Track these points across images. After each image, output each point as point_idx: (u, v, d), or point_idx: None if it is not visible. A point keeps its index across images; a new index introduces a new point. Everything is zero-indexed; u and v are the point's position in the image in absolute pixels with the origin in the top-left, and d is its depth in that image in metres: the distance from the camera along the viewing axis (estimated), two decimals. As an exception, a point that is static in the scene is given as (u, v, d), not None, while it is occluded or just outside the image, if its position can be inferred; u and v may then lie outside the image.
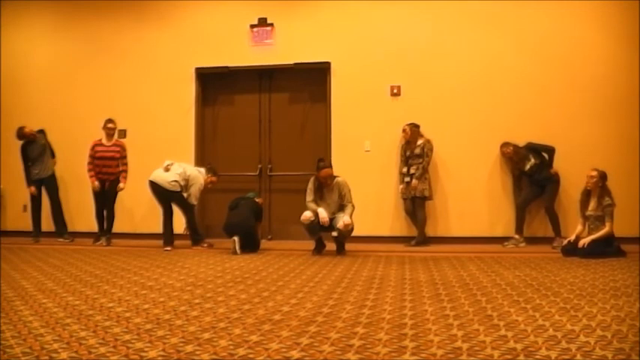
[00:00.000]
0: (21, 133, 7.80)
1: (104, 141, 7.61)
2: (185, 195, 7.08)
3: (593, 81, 7.25)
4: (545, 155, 7.03)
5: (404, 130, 7.29)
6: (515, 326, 2.99)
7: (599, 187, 6.10)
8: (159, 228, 7.17)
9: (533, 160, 7.00)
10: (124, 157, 7.62)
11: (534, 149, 7.04)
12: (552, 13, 7.36)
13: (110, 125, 7.60)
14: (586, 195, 6.23)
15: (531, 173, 7.05)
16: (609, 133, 7.16)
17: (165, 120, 8.23)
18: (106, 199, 7.58)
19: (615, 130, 7.16)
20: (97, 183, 7.50)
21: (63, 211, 8.03)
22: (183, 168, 7.10)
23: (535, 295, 3.87)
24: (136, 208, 8.14)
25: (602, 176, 6.12)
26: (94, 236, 7.65)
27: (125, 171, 7.59)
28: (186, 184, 7.06)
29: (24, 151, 7.85)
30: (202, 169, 7.32)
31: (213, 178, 7.35)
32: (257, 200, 7.02)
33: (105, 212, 7.61)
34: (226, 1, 8.27)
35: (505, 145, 7.17)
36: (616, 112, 7.17)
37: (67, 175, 8.27)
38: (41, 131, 7.95)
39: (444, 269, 5.17)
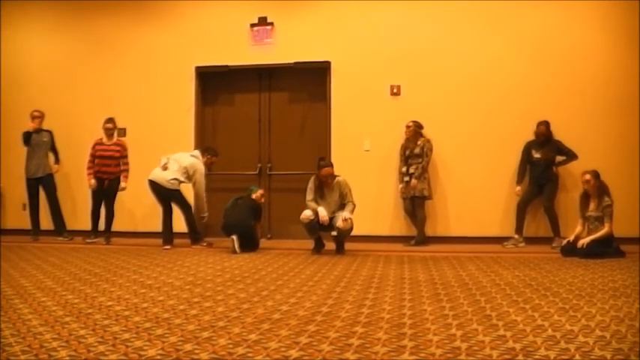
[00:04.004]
0: (32, 115, 7.84)
1: (104, 140, 7.62)
2: (191, 185, 7.09)
3: (593, 81, 7.25)
4: (562, 158, 7.00)
5: (408, 126, 7.28)
6: (514, 326, 3.00)
7: (596, 188, 6.10)
8: (158, 227, 7.17)
9: (549, 154, 6.99)
10: (125, 156, 7.62)
11: (557, 148, 7.01)
12: (552, 13, 7.36)
13: (109, 125, 7.60)
14: (585, 197, 6.24)
15: (537, 164, 7.02)
16: (609, 133, 7.16)
17: (165, 119, 8.23)
18: (105, 197, 7.58)
19: (615, 130, 7.16)
20: (93, 181, 7.50)
21: (61, 210, 8.02)
22: (178, 163, 7.08)
23: (534, 295, 3.87)
24: (136, 207, 8.14)
25: (596, 176, 6.14)
26: (87, 234, 7.63)
27: (126, 170, 7.58)
28: (188, 176, 7.06)
29: (26, 139, 7.81)
30: (196, 152, 7.32)
31: (213, 159, 7.35)
32: (255, 195, 6.95)
33: (104, 211, 7.61)
34: (226, 0, 8.26)
35: (546, 125, 7.00)
36: (616, 112, 7.17)
37: (67, 174, 8.27)
38: (48, 131, 7.96)
39: (444, 269, 5.17)
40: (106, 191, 7.57)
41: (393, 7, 7.72)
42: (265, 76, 8.27)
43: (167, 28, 8.35)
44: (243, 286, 4.26)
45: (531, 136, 7.12)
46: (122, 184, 7.56)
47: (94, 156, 7.56)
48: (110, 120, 7.63)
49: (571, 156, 6.96)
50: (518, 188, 7.11)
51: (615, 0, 7.24)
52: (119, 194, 7.62)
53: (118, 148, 7.60)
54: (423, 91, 7.62)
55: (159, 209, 7.16)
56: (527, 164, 7.14)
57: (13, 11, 8.80)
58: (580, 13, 7.37)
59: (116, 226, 7.73)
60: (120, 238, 7.71)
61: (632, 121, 7.08)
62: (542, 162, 7.00)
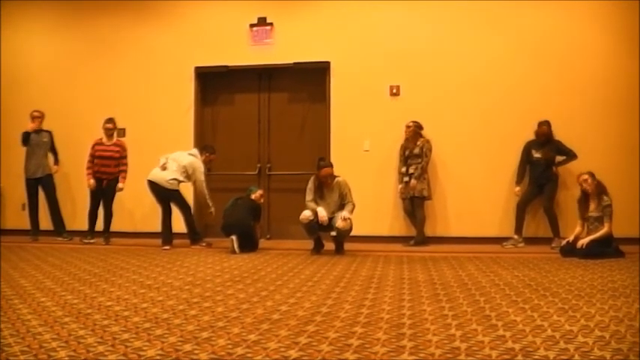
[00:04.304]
0: (31, 115, 7.86)
1: (104, 140, 7.61)
2: (191, 184, 7.11)
3: (593, 81, 7.25)
4: (561, 157, 6.99)
5: (408, 126, 7.28)
6: (514, 326, 3.00)
7: (595, 187, 6.11)
8: (158, 227, 7.17)
9: (549, 154, 7.00)
10: (124, 157, 7.61)
11: (557, 147, 7.01)
12: (552, 13, 7.36)
13: (108, 125, 7.59)
14: (584, 199, 6.24)
15: (537, 164, 7.01)
16: (609, 134, 7.16)
17: (165, 119, 8.23)
18: (103, 198, 7.58)
19: (615, 131, 7.16)
20: (92, 181, 7.49)
21: (60, 210, 8.02)
22: (177, 162, 7.09)
23: (533, 295, 3.87)
24: (135, 207, 8.14)
25: (593, 175, 6.17)
26: (83, 234, 7.61)
27: (124, 171, 7.58)
28: (187, 175, 7.07)
29: (24, 139, 7.81)
30: (194, 151, 7.33)
31: (211, 157, 7.37)
32: (255, 196, 6.94)
33: (103, 211, 7.60)
34: (226, 0, 8.27)
35: (548, 125, 6.98)
36: (616, 112, 7.17)
37: (67, 174, 8.27)
38: (48, 132, 7.96)
39: (443, 269, 5.17)
40: (104, 191, 7.57)
41: (392, 8, 7.72)
42: (265, 76, 8.27)
43: (167, 29, 8.35)
44: (242, 287, 4.26)
45: (531, 136, 7.12)
46: (120, 185, 7.55)
47: (93, 156, 7.55)
48: (110, 120, 7.62)
49: (571, 156, 6.96)
50: (518, 188, 7.12)
51: (615, 0, 7.25)
52: (118, 194, 7.62)
53: (118, 149, 7.60)
54: (422, 92, 7.62)
55: (158, 209, 7.17)
56: (527, 164, 7.14)
57: (13, 11, 8.80)
58: (580, 13, 7.37)
59: (115, 227, 7.72)
60: (119, 239, 7.71)
61: (632, 121, 7.08)
62: (543, 162, 7.00)
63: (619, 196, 6.37)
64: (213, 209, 7.20)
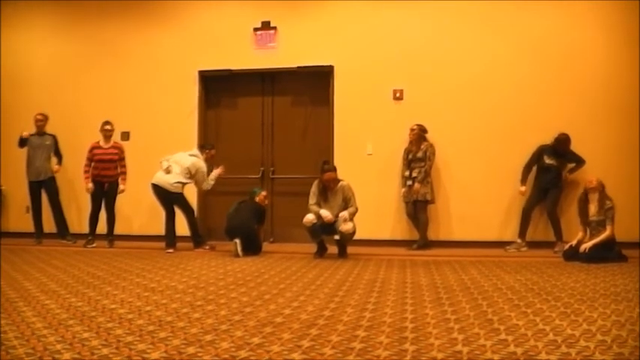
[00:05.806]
0: (35, 118, 7.89)
1: (102, 143, 7.62)
2: (194, 183, 7.14)
3: (594, 83, 7.24)
4: (571, 165, 7.00)
5: (412, 129, 7.29)
6: (516, 330, 3.01)
7: (599, 192, 6.11)
8: (161, 230, 7.19)
9: (564, 162, 7.01)
10: (123, 159, 7.64)
11: (569, 157, 7.01)
12: (553, 15, 7.37)
13: (107, 127, 7.62)
14: (584, 202, 6.23)
15: (549, 170, 6.98)
16: (609, 136, 7.15)
17: (169, 122, 8.25)
18: (106, 201, 7.60)
19: (615, 133, 7.15)
20: (90, 185, 7.51)
21: (64, 212, 8.05)
22: (180, 165, 7.09)
23: (536, 299, 3.88)
24: (139, 210, 8.16)
25: (601, 182, 6.18)
26: (85, 238, 7.60)
27: (124, 173, 7.61)
28: (190, 176, 7.09)
29: (20, 142, 7.81)
30: (195, 151, 7.36)
31: (212, 152, 7.39)
32: (259, 198, 6.97)
33: (105, 215, 7.62)
34: (230, 3, 8.29)
35: (569, 140, 6.94)
36: (616, 114, 7.17)
37: (71, 177, 8.29)
38: (52, 135, 7.98)
39: (446, 273, 5.18)
40: (106, 195, 7.59)
41: (396, 12, 7.74)
42: (268, 79, 8.29)
43: (171, 32, 8.38)
44: (245, 290, 4.28)
45: (534, 139, 7.08)
46: (121, 187, 7.58)
47: (90, 159, 7.56)
48: (108, 122, 7.63)
49: (581, 162, 6.97)
50: (524, 188, 7.07)
51: (615, 0, 7.25)
52: (121, 197, 7.63)
53: (116, 151, 7.61)
54: (425, 95, 7.63)
55: (162, 212, 7.18)
56: (534, 167, 7.11)
57: (16, 13, 8.83)
58: (581, 15, 7.36)
59: (119, 230, 7.74)
60: (123, 241, 7.72)
61: (633, 124, 7.06)
62: (554, 169, 6.98)
63: (620, 200, 6.35)
64: (219, 171, 7.28)
